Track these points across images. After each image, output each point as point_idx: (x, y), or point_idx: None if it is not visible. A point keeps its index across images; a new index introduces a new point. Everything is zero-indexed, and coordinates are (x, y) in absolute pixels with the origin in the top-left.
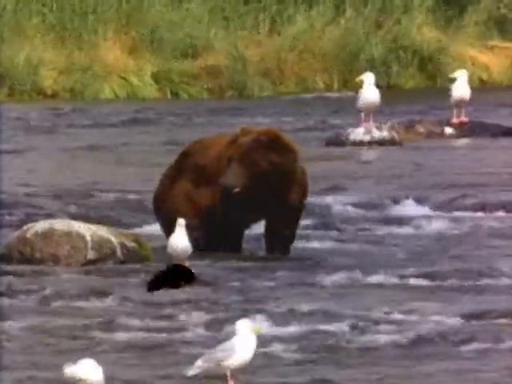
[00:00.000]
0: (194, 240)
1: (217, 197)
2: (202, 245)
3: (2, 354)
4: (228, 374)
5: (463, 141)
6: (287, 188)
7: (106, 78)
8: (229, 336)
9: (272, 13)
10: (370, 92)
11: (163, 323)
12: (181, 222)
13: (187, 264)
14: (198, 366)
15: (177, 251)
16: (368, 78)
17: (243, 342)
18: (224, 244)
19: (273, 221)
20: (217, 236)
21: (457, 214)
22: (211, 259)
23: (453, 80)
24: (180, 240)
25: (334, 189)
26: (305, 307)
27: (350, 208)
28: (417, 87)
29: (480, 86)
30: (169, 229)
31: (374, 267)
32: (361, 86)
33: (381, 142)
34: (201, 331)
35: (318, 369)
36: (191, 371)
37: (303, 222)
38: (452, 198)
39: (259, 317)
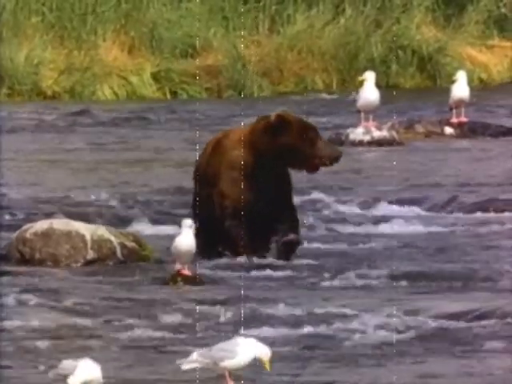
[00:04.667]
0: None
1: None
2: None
3: (1, 354)
4: (226, 373)
5: (463, 141)
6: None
7: (106, 77)
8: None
9: (271, 12)
10: (369, 92)
11: (163, 323)
12: (186, 223)
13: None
14: (195, 360)
15: (181, 252)
16: (369, 78)
17: (245, 345)
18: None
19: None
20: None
21: (456, 214)
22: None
23: (453, 80)
24: (185, 241)
25: (332, 188)
26: (306, 309)
27: (347, 207)
28: (416, 87)
29: (479, 86)
30: None
31: (370, 267)
32: (361, 86)
33: (380, 142)
34: (202, 331)
35: (321, 369)
36: (186, 365)
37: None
38: (451, 198)
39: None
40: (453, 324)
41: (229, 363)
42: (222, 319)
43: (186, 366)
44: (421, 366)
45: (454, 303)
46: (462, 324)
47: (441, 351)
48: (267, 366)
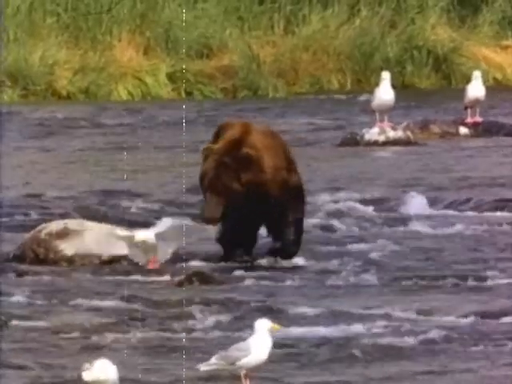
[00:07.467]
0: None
1: None
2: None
3: (12, 353)
4: (242, 373)
5: (477, 140)
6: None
7: (121, 77)
8: (242, 335)
9: (287, 13)
10: (384, 92)
11: (176, 323)
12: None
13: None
14: (213, 363)
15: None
16: (384, 78)
17: (259, 342)
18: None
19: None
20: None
21: (471, 213)
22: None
23: (468, 80)
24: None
25: (347, 188)
26: (317, 308)
27: (363, 207)
28: (431, 87)
29: (494, 86)
30: None
31: (384, 267)
32: (376, 86)
33: (395, 142)
34: (213, 330)
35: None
36: (205, 367)
37: (313, 221)
38: (466, 198)
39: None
40: None
41: (246, 361)
42: (235, 318)
43: (204, 368)
44: None
45: None
46: None
47: None
48: (276, 326)
